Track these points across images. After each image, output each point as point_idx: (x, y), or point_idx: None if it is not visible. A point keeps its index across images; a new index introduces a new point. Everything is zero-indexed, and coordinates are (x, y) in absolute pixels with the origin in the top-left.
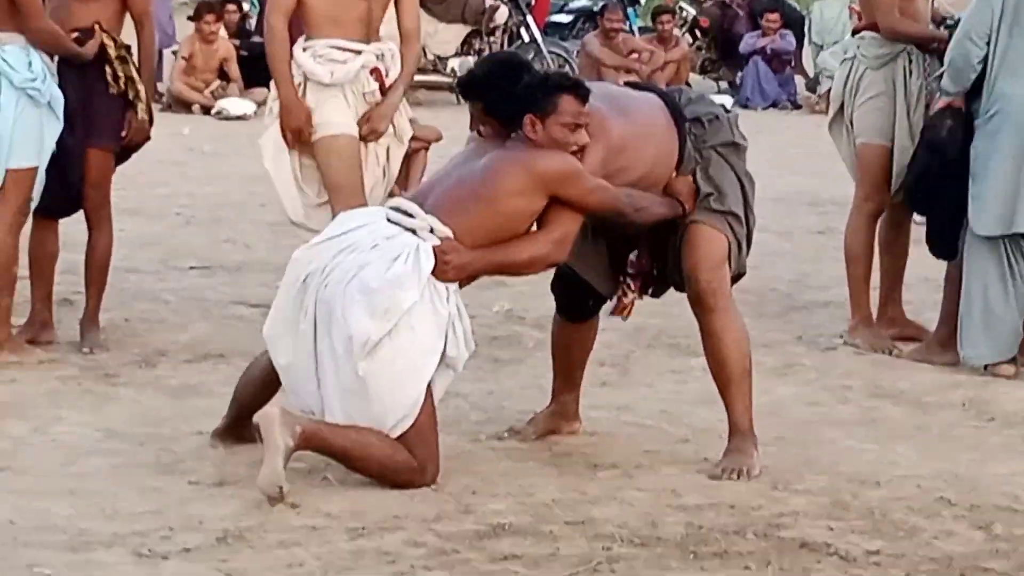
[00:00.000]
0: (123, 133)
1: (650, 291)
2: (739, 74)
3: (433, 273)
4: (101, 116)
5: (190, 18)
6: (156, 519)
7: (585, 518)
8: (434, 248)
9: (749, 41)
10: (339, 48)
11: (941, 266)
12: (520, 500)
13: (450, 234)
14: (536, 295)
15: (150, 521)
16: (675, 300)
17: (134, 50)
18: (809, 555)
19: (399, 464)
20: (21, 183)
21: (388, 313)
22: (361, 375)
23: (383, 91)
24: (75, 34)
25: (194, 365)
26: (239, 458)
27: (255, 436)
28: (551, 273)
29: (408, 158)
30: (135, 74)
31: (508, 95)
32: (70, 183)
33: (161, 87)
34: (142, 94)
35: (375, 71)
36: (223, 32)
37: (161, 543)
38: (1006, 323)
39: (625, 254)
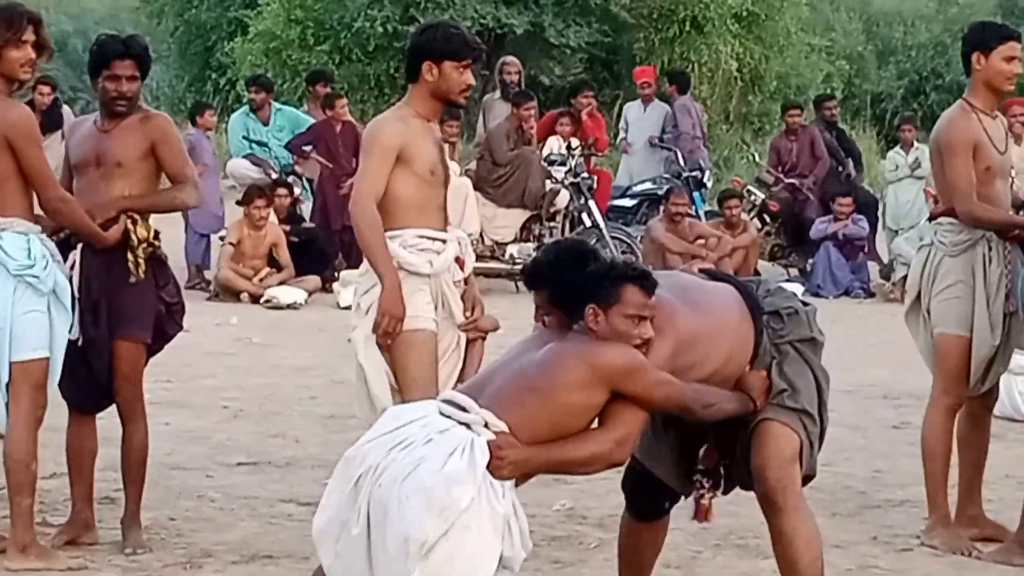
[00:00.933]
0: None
1: (721, 489)
2: (810, 260)
3: (488, 469)
4: (128, 305)
5: (239, 202)
6: None
7: None
8: (489, 443)
9: (820, 226)
10: (428, 238)
11: (1023, 463)
12: None
13: (505, 429)
14: (598, 493)
15: None
16: (744, 498)
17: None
18: None
19: None
20: (31, 375)
21: (444, 512)
22: (415, 572)
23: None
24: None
25: (242, 567)
26: None
27: None
28: (614, 470)
29: (465, 348)
30: (164, 258)
31: (572, 284)
32: (98, 376)
33: (209, 275)
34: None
35: (458, 259)
36: (273, 217)
37: None
38: None
39: (696, 448)
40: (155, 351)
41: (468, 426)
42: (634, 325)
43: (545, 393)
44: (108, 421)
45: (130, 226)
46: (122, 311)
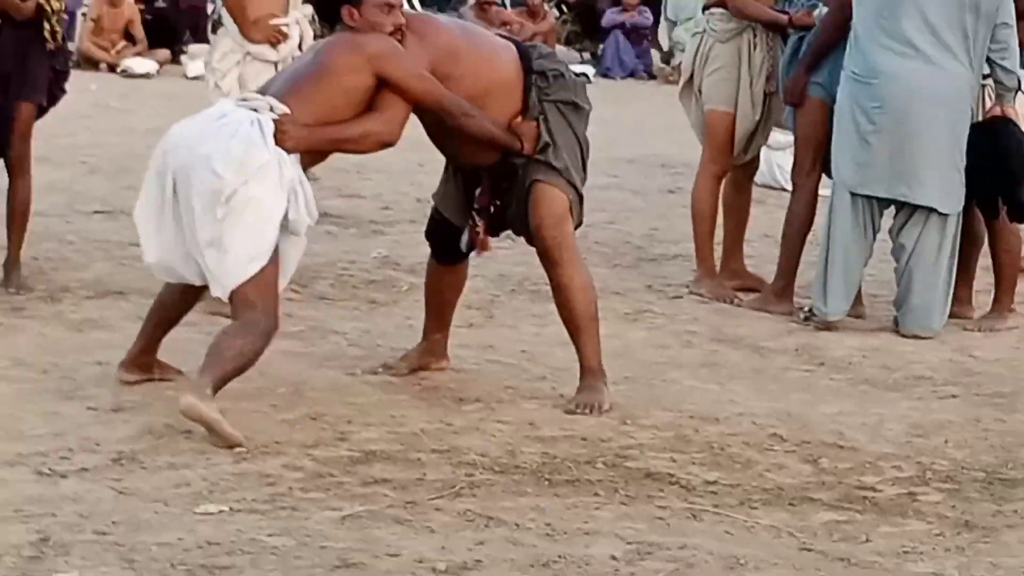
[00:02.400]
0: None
1: (496, 230)
2: (601, 46)
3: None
4: (35, 72)
5: None
6: (57, 441)
7: (450, 447)
8: (274, 120)
9: (610, 16)
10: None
11: (779, 225)
12: (391, 429)
13: (287, 110)
14: (411, 244)
15: (51, 442)
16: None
17: None
18: (653, 484)
19: (254, 338)
20: None
21: (242, 167)
22: (219, 219)
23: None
24: None
25: (95, 301)
26: (136, 387)
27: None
28: (422, 225)
29: None
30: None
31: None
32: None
33: (72, 47)
34: (67, 47)
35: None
36: None
37: (60, 463)
38: (856, 279)
39: (472, 188)
40: (43, 113)
41: (256, 111)
42: (385, 14)
43: (320, 79)
44: None
45: (42, 1)
46: (29, 76)
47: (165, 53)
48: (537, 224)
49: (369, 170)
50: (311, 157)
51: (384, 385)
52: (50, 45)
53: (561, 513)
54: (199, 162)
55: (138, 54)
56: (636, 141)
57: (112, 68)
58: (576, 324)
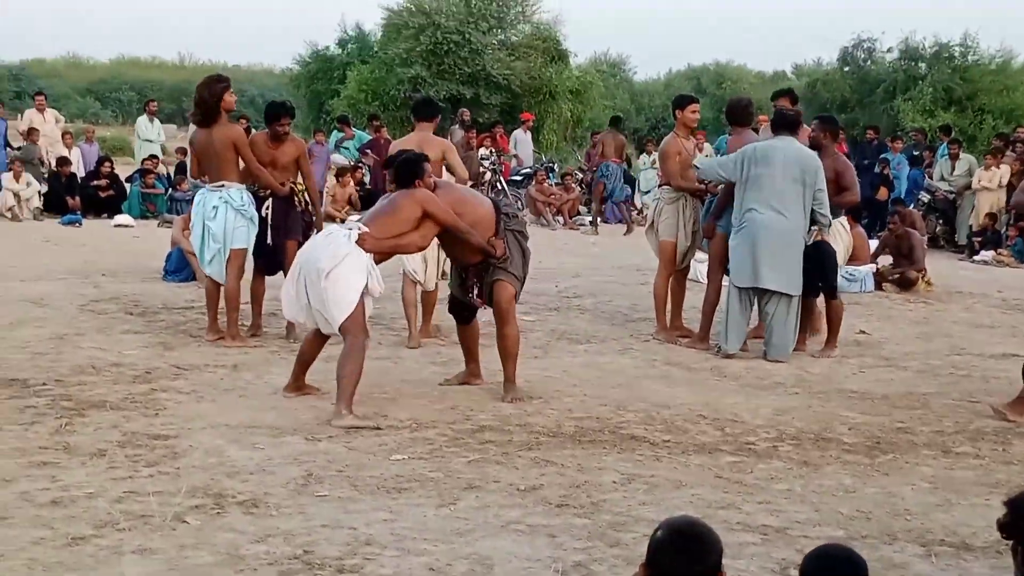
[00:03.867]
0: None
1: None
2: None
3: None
4: (293, 223)
5: (336, 175)
6: (314, 418)
7: (525, 423)
8: (359, 233)
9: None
10: None
11: (700, 302)
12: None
13: (366, 230)
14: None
15: (311, 419)
16: (573, 316)
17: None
18: (634, 442)
19: (356, 355)
20: (238, 256)
21: (335, 256)
22: (323, 286)
23: None
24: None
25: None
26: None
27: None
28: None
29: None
30: (308, 198)
31: (406, 171)
32: (276, 259)
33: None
34: (314, 209)
35: None
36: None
37: (317, 431)
38: (743, 329)
39: (467, 279)
40: (300, 245)
41: (350, 229)
42: (431, 180)
43: (391, 213)
44: (276, 279)
45: (294, 186)
46: (291, 226)
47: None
48: (497, 299)
49: None
50: (380, 256)
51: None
52: (299, 208)
53: (586, 458)
54: (311, 257)
55: (357, 215)
56: (627, 256)
57: (342, 221)
58: (506, 355)
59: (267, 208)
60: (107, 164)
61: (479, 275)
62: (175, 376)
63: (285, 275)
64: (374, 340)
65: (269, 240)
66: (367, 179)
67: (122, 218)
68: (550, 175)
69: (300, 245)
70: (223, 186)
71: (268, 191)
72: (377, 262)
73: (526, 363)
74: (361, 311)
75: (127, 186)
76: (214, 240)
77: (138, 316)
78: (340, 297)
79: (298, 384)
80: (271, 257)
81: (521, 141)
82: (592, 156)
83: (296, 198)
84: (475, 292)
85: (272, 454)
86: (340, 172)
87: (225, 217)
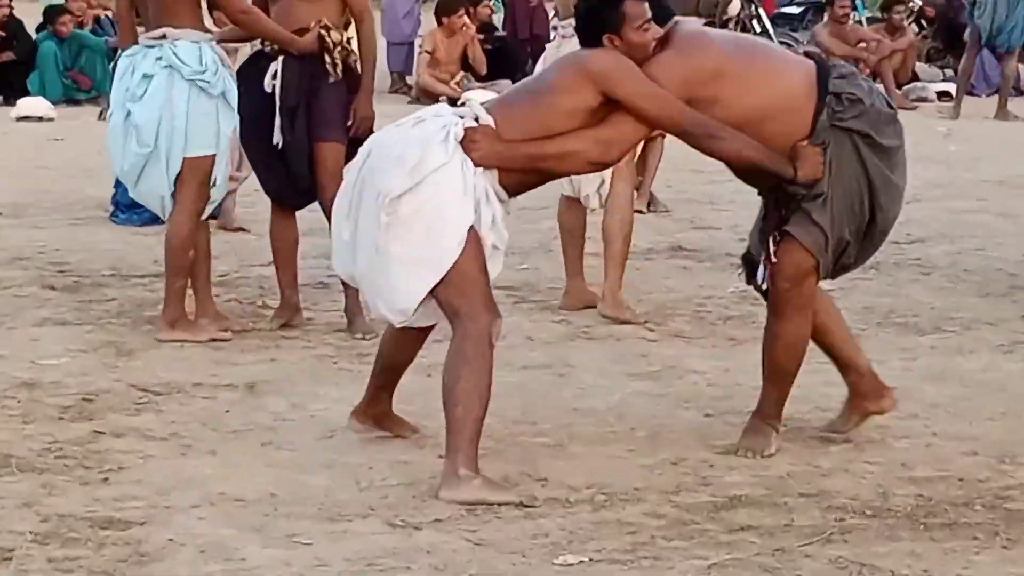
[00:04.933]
0: (348, 123)
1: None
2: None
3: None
4: (327, 110)
5: (436, 11)
6: (409, 491)
7: (818, 490)
8: (466, 129)
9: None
10: None
11: None
12: (755, 473)
13: (491, 122)
14: None
15: (403, 493)
16: (906, 280)
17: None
18: None
19: (470, 367)
20: (198, 170)
21: (414, 170)
22: (383, 227)
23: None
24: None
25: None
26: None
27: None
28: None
29: (646, 145)
30: (356, 66)
31: (586, 19)
32: (296, 176)
33: (410, 79)
34: (366, 84)
35: None
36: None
37: (413, 514)
38: None
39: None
40: (352, 153)
41: (460, 117)
42: (646, 33)
43: (539, 96)
44: (319, 213)
45: (324, 32)
46: (321, 115)
47: (507, 84)
48: (775, 271)
49: (723, 201)
50: (517, 179)
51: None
52: (332, 78)
53: (938, 559)
54: (376, 167)
55: (481, 86)
56: (1004, 161)
57: (452, 102)
58: (769, 372)
59: (274, 78)
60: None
61: (779, 207)
62: (138, 406)
63: (324, 210)
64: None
65: (278, 139)
66: (500, 21)
67: (30, 104)
68: (858, 2)
69: (349, 153)
70: (164, 37)
71: (273, 46)
72: (511, 191)
73: (814, 371)
74: (475, 276)
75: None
76: (140, 141)
77: (66, 293)
78: (418, 243)
79: (377, 411)
80: (289, 179)
81: None
82: None
83: (328, 56)
84: (772, 245)
85: (327, 555)
86: (444, 7)
87: (167, 95)
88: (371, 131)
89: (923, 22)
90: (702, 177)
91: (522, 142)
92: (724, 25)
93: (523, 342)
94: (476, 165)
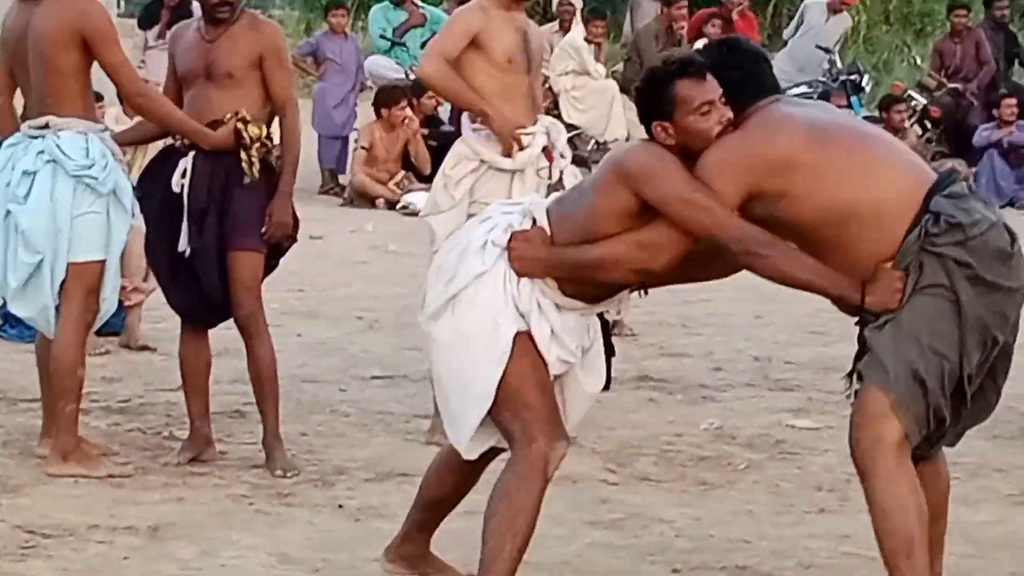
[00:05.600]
0: (263, 229)
1: None
2: (974, 169)
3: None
4: (241, 215)
5: (374, 104)
6: None
7: None
8: (513, 233)
9: (984, 133)
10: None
11: None
12: None
13: (545, 225)
14: (748, 412)
15: None
16: None
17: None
18: None
19: (509, 487)
20: (84, 278)
21: (452, 282)
22: (427, 347)
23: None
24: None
25: (375, 484)
26: None
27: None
28: (761, 388)
29: None
30: (278, 165)
31: (640, 109)
32: (206, 289)
33: (343, 179)
34: (284, 184)
35: (546, 151)
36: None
37: None
38: None
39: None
40: (271, 266)
41: (507, 215)
42: (706, 117)
43: (582, 193)
44: (235, 332)
45: (240, 126)
46: (234, 221)
47: None
48: (853, 423)
49: (697, 324)
50: (579, 287)
51: None
52: (247, 178)
53: None
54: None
55: (422, 187)
56: None
57: (391, 204)
58: (886, 554)
59: (183, 176)
60: None
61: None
62: (24, 551)
63: (240, 327)
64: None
65: (184, 246)
66: (447, 114)
67: None
68: (855, 100)
69: (269, 262)
70: (47, 127)
71: (184, 139)
72: (582, 297)
73: (796, 522)
74: (528, 395)
75: None
76: (28, 248)
77: None
78: (460, 379)
79: (411, 548)
80: (198, 292)
81: (815, 27)
82: (947, 59)
83: (245, 153)
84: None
85: None
86: (394, 96)
87: (50, 194)
88: (291, 238)
89: (927, 123)
90: (675, 296)
91: (566, 247)
92: None
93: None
94: (518, 274)
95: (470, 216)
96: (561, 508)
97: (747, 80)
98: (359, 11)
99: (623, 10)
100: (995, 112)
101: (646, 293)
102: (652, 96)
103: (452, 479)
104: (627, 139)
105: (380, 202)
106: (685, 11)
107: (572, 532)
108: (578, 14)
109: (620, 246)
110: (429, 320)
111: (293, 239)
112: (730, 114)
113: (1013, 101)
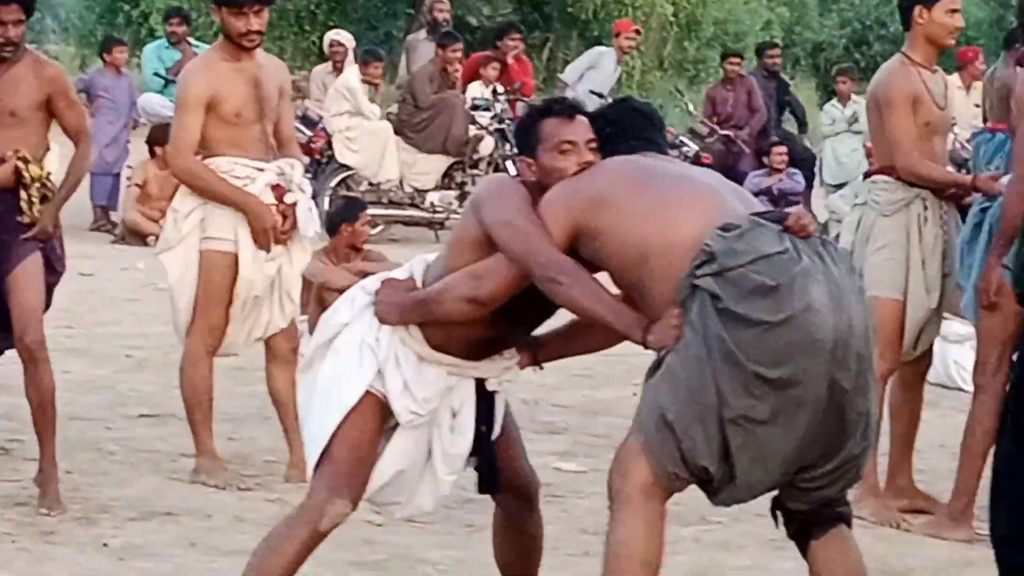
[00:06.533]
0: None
1: None
2: None
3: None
4: (22, 247)
5: (147, 141)
6: None
7: None
8: (383, 281)
9: (754, 180)
10: (242, 166)
11: (957, 432)
12: None
13: (416, 276)
14: None
15: None
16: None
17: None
18: None
19: (277, 532)
20: None
21: (322, 332)
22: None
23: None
24: None
25: (139, 524)
26: None
27: None
28: (530, 435)
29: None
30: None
31: (517, 148)
32: None
33: (115, 216)
34: (59, 196)
35: (277, 188)
36: None
37: None
38: None
39: None
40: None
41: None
42: (564, 156)
43: (457, 232)
44: (5, 368)
45: (21, 165)
46: (17, 250)
47: None
48: (613, 470)
49: None
50: (439, 336)
51: None
52: (26, 218)
53: None
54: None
55: None
56: None
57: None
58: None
59: None
60: None
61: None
62: None
63: (20, 355)
64: None
65: None
66: None
67: None
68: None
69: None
70: None
71: None
72: (448, 350)
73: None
74: (342, 448)
75: None
76: None
77: None
78: (317, 413)
79: None
80: None
81: (598, 73)
82: (719, 106)
83: (25, 192)
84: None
85: None
86: (158, 136)
87: None
88: (46, 244)
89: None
90: None
91: (422, 288)
92: (475, 165)
93: (230, 523)
94: (382, 321)
95: (201, 253)
96: (324, 548)
97: (619, 133)
98: (133, 48)
99: (400, 51)
100: (765, 160)
101: (541, 368)
102: (521, 132)
103: (505, 540)
104: (399, 181)
105: (152, 240)
106: (460, 54)
107: (336, 573)
108: (351, 54)
109: (455, 276)
110: (301, 372)
111: (49, 245)
112: (592, 159)
113: (783, 149)
